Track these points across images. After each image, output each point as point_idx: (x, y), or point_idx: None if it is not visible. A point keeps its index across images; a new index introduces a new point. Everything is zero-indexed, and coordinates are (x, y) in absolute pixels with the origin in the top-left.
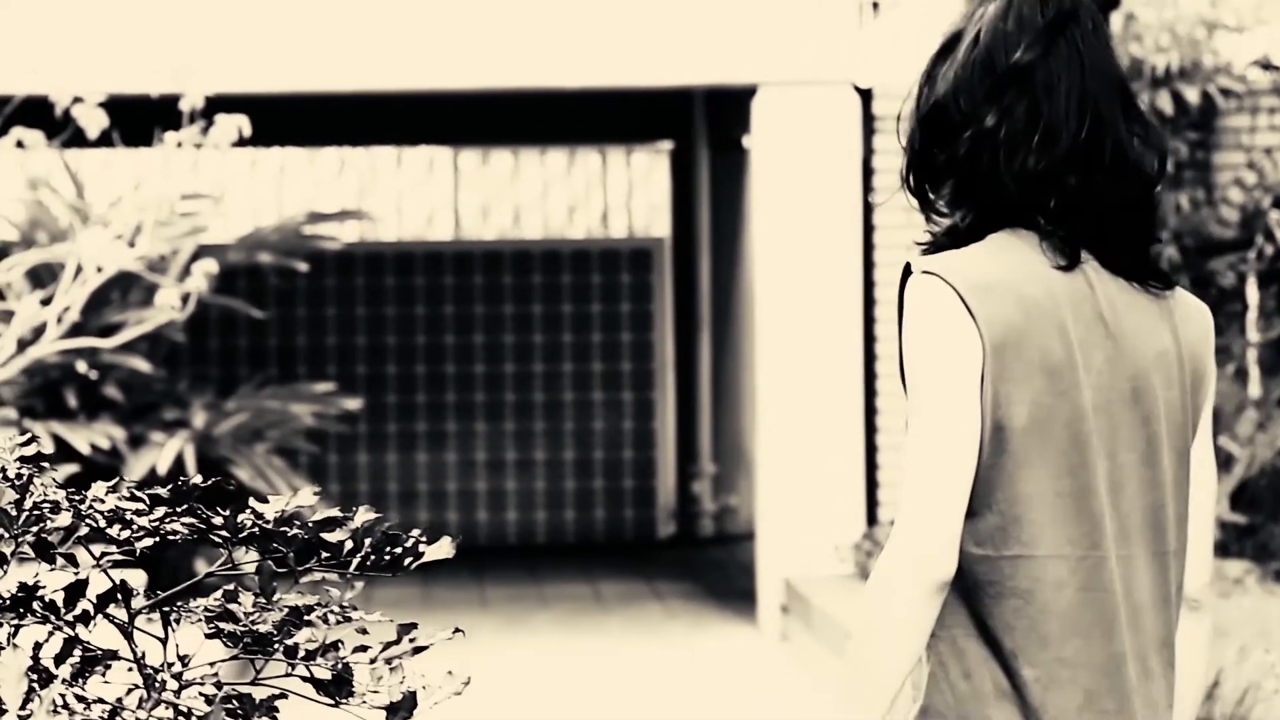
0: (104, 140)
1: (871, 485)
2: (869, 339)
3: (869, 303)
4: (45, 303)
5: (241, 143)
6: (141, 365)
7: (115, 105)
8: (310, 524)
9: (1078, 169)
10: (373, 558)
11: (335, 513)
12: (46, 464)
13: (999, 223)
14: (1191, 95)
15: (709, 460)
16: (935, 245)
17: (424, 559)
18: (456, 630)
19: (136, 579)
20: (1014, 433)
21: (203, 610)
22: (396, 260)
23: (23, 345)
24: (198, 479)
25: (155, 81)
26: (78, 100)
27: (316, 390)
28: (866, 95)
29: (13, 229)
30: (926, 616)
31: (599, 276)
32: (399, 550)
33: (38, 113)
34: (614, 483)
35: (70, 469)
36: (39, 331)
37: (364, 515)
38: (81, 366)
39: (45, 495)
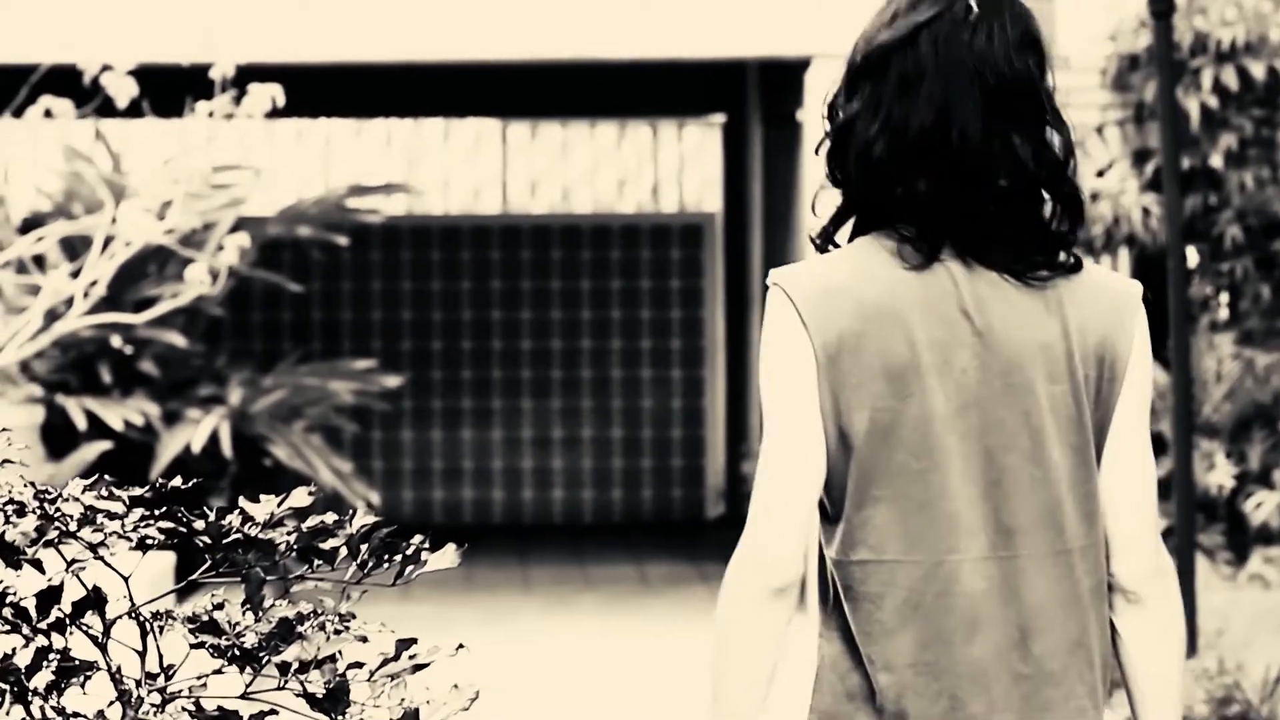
0: (134, 110)
1: None
2: None
3: None
4: (76, 275)
5: (282, 113)
6: (177, 340)
7: (147, 74)
8: (302, 530)
9: (927, 167)
10: (371, 564)
11: (328, 518)
12: (13, 460)
13: (865, 224)
14: (1257, 71)
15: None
16: (817, 247)
17: (426, 568)
18: (460, 646)
19: (164, 561)
20: (857, 438)
21: (184, 620)
22: (443, 234)
23: (56, 318)
24: (178, 480)
25: (187, 50)
26: (107, 68)
27: (356, 367)
28: None
29: (46, 199)
30: (768, 621)
31: (649, 252)
32: (399, 558)
33: (66, 81)
34: (662, 462)
35: (103, 446)
36: (71, 305)
37: (362, 519)
38: (116, 341)
39: (10, 495)
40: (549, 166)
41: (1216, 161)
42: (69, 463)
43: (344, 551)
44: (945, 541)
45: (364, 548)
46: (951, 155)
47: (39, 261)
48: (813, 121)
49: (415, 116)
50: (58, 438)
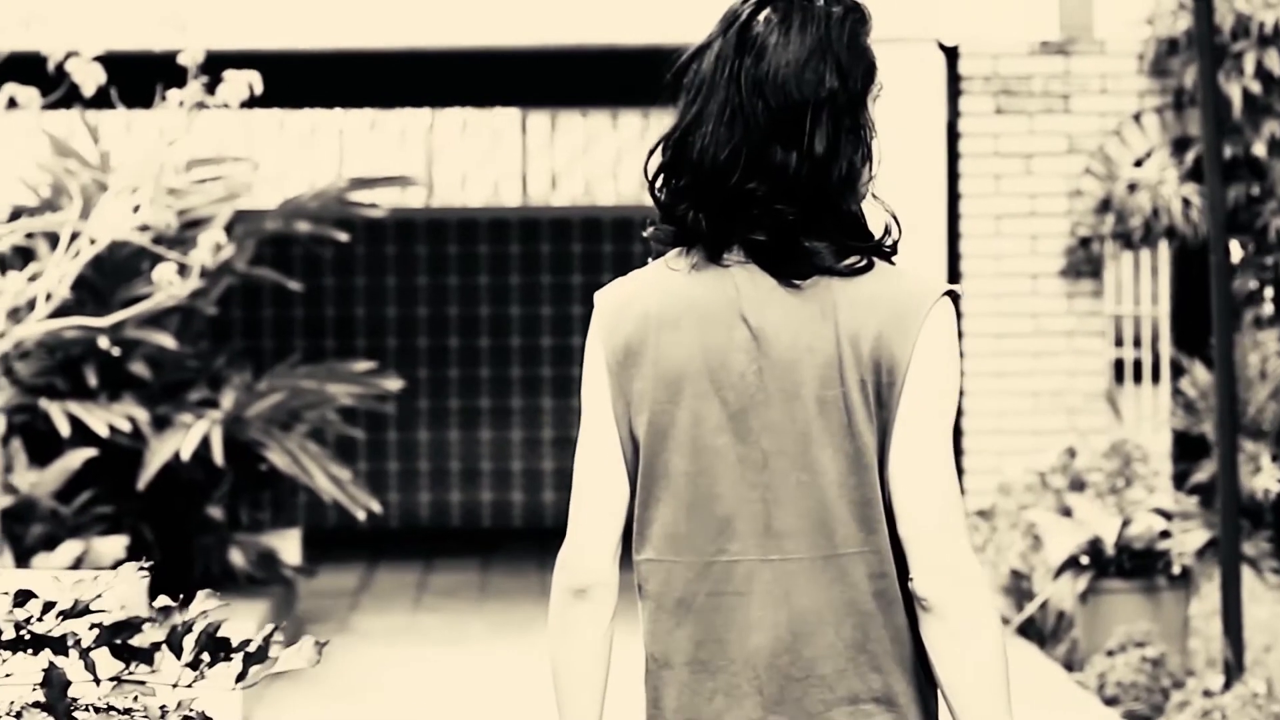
0: (102, 100)
1: (955, 472)
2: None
3: (954, 275)
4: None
5: (261, 104)
6: (166, 341)
7: (119, 63)
8: (104, 626)
9: (681, 179)
10: (206, 662)
11: (144, 611)
12: None
13: (676, 236)
14: None
15: None
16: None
17: (276, 669)
18: None
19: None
20: (641, 442)
21: None
22: (428, 228)
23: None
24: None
25: (160, 36)
26: (72, 54)
27: (355, 369)
28: (952, 54)
29: (31, 193)
30: (572, 622)
31: (643, 245)
32: (235, 656)
33: (29, 69)
34: None
35: (88, 453)
36: (49, 302)
37: (201, 604)
38: (103, 342)
39: None
40: (538, 157)
41: (1260, 150)
42: (52, 470)
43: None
44: (714, 543)
45: (190, 639)
46: (695, 166)
47: (27, 256)
48: None
49: (404, 106)
50: (43, 444)
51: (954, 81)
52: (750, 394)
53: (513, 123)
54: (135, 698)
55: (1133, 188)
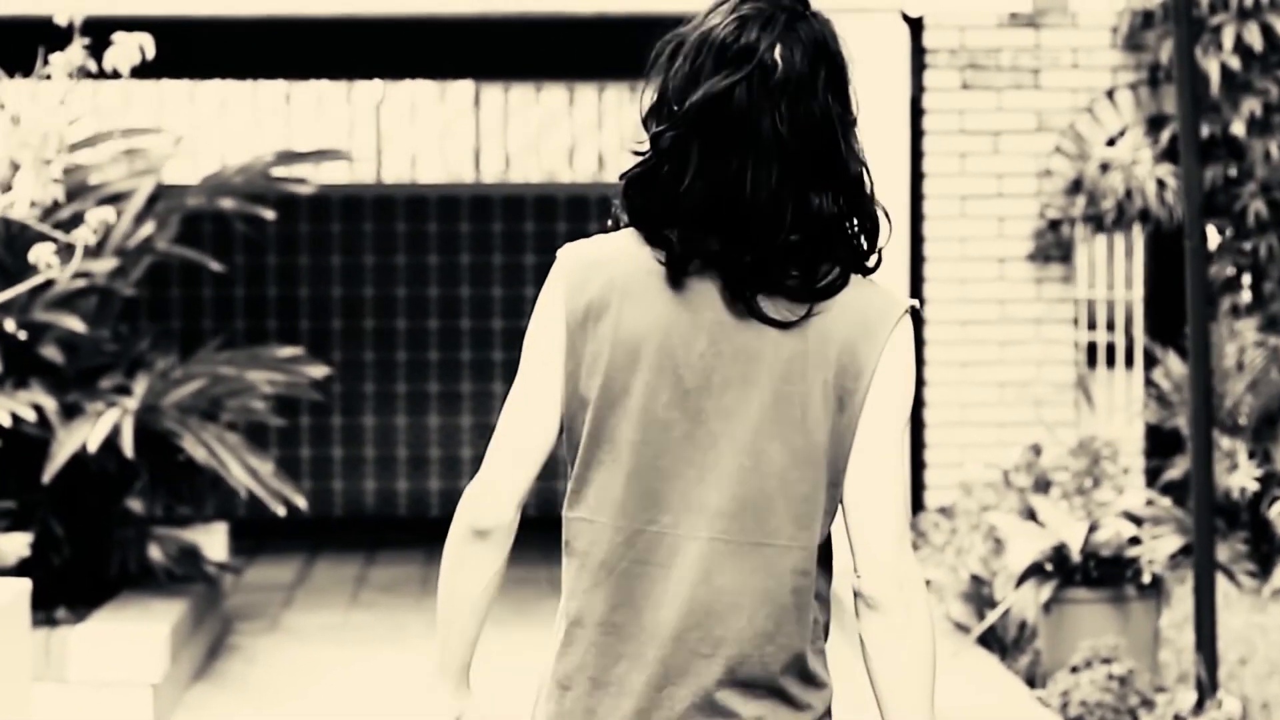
0: None
1: (917, 466)
2: (917, 299)
3: (916, 259)
4: None
5: (195, 75)
6: (75, 324)
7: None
8: None
9: (721, 226)
10: None
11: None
12: None
13: (680, 256)
14: None
15: None
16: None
17: None
18: None
19: (15, 589)
20: (590, 403)
21: None
22: (376, 204)
23: None
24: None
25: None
26: None
27: (280, 355)
28: (916, 25)
29: None
30: (468, 556)
31: (599, 224)
32: None
33: None
34: None
35: None
36: None
37: None
38: (9, 325)
39: None
40: (491, 133)
41: (1238, 129)
42: None
43: None
44: (647, 513)
45: None
46: (743, 218)
47: None
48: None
49: (350, 79)
50: None
51: (918, 55)
52: (708, 375)
53: (466, 97)
54: None
55: (1105, 168)
